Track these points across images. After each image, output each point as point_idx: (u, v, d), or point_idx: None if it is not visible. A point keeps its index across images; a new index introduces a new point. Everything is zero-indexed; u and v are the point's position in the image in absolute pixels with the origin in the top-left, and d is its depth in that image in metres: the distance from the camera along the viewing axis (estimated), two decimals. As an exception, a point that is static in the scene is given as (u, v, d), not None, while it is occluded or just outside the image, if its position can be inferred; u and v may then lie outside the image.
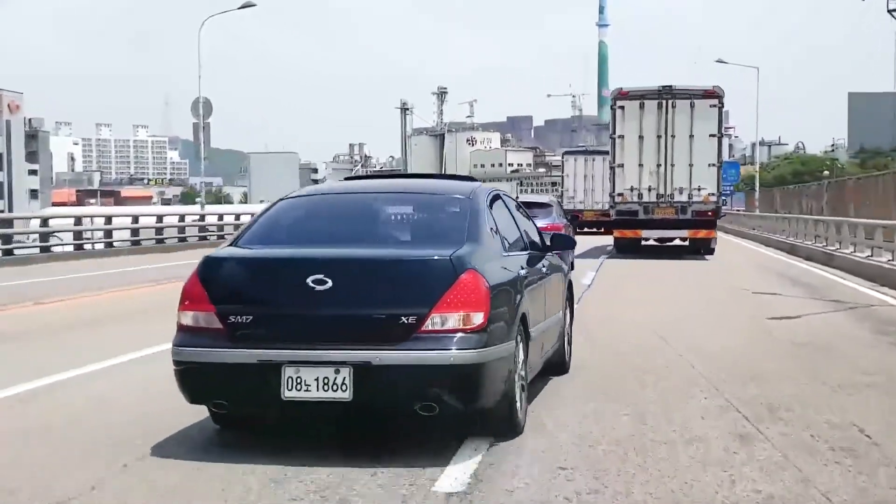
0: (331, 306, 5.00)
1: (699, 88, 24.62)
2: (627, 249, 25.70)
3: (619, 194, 24.74)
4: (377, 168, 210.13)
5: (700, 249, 25.71)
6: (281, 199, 6.25)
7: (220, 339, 5.10)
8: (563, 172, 54.27)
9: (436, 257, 5.13)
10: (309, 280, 4.99)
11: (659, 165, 24.53)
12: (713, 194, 24.45)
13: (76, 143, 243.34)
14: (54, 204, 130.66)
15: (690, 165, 24.30)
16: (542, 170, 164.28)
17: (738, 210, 58.91)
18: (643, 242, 26.26)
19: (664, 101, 24.42)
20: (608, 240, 28.83)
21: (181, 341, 5.25)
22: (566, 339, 7.78)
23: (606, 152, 64.64)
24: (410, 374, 4.92)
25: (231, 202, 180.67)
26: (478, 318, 4.95)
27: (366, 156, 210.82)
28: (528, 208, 24.66)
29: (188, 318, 5.23)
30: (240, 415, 5.62)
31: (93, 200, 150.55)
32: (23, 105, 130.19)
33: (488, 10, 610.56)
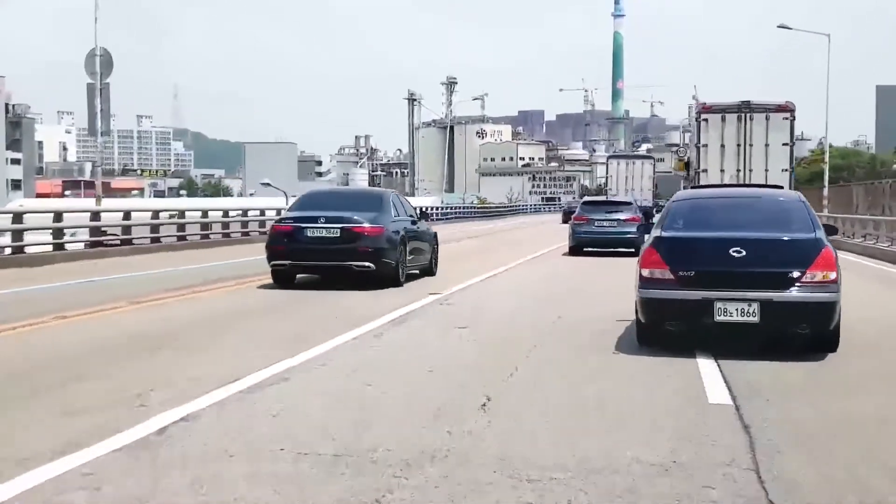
0: (744, 266, 8.85)
1: (773, 103, 29.71)
2: None
3: (703, 195, 29.90)
4: (384, 161, 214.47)
5: None
6: (676, 200, 10.41)
7: (672, 286, 9.00)
8: (606, 174, 64.13)
9: (807, 238, 9.09)
10: (731, 250, 8.90)
11: (738, 170, 29.55)
12: (786, 195, 29.62)
13: (68, 132, 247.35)
14: (38, 195, 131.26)
15: (766, 170, 29.30)
16: (554, 164, 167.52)
17: None
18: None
19: (743, 115, 29.47)
20: None
21: (645, 286, 9.16)
22: None
23: (648, 157, 74.51)
24: (795, 307, 8.80)
25: (230, 195, 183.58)
26: (832, 275, 8.86)
27: (372, 148, 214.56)
28: (615, 205, 30.32)
29: (648, 273, 9.14)
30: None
31: (68, 193, 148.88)
32: (4, 89, 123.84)
33: (501, 4, 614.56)
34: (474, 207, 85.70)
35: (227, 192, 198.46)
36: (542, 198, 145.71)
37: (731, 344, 9.13)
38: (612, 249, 25.87)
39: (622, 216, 27.04)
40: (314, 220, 15.69)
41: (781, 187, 12.22)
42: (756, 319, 8.80)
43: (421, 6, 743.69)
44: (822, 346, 9.24)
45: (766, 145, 29.46)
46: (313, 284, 15.94)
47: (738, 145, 29.64)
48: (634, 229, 26.04)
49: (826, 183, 47.38)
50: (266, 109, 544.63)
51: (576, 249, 26.38)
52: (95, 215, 25.79)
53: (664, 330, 9.40)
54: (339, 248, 15.42)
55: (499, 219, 68.33)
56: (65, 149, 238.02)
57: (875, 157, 75.40)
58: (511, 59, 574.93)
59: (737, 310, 8.80)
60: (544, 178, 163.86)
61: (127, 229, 26.26)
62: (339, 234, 15.49)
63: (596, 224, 26.73)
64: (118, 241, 25.14)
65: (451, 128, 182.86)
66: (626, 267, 15.29)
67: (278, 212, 37.82)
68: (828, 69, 46.03)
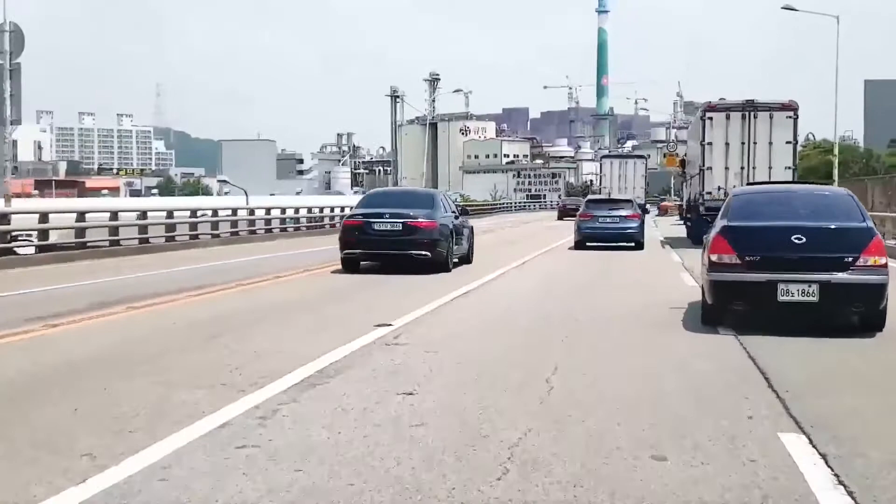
0: (805, 251, 10.08)
1: (777, 102, 30.76)
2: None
3: (708, 192, 30.76)
4: (367, 159, 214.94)
5: None
6: (736, 195, 11.68)
7: (739, 269, 10.23)
8: (600, 172, 69.38)
9: (859, 226, 10.34)
10: (792, 237, 10.14)
11: (742, 168, 30.60)
12: (789, 193, 30.61)
13: (44, 131, 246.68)
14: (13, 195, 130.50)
15: (770, 168, 30.34)
16: (539, 161, 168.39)
17: None
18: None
19: (747, 113, 30.53)
20: None
21: (714, 270, 10.39)
22: None
23: (640, 156, 78.37)
24: (850, 288, 10.02)
25: (210, 194, 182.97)
26: (882, 260, 10.13)
27: (355, 146, 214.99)
28: (617, 203, 31.79)
29: (716, 258, 10.35)
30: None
31: (35, 192, 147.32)
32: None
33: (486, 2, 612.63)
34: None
35: (206, 192, 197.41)
36: (527, 195, 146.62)
37: (782, 323, 10.46)
38: (614, 244, 28.55)
39: (624, 213, 29.40)
40: (380, 215, 18.90)
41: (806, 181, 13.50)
42: (815, 299, 10.03)
43: (406, 3, 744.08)
44: (872, 325, 10.41)
45: (770, 143, 30.44)
46: (375, 270, 18.73)
47: (743, 143, 30.64)
48: (635, 225, 28.99)
49: (836, 177, 46.73)
50: (249, 108, 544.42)
51: (581, 244, 28.69)
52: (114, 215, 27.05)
53: (729, 310, 10.61)
54: (401, 240, 18.54)
55: (484, 217, 68.36)
56: (39, 148, 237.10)
57: (871, 152, 75.55)
58: (495, 57, 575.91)
59: (798, 290, 10.04)
60: (529, 175, 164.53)
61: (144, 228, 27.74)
62: (401, 228, 18.64)
63: (600, 220, 28.98)
64: (107, 242, 25.51)
65: (435, 125, 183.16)
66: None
67: (252, 211, 37.71)
68: (837, 57, 45.71)
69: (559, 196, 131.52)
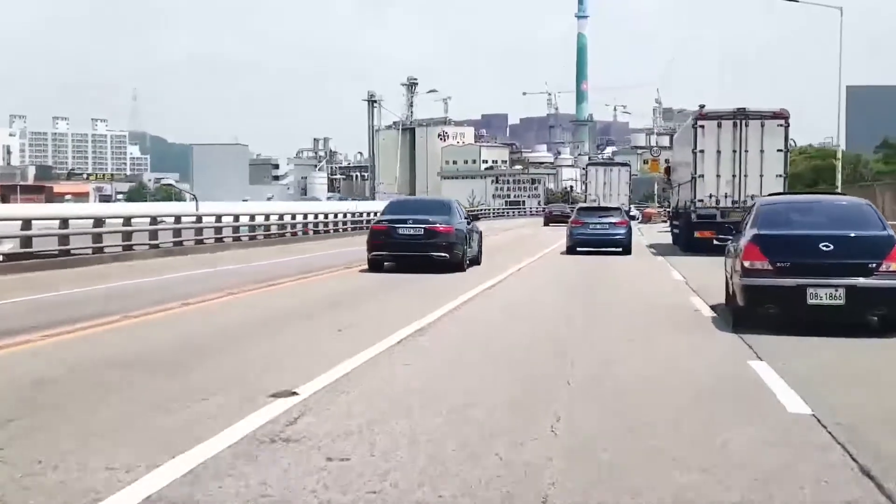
0: (832, 258, 10.79)
1: (769, 111, 30.88)
2: (699, 248, 32.01)
3: (700, 200, 30.79)
4: (344, 164, 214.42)
5: None
6: (763, 205, 12.55)
7: (770, 275, 10.93)
8: (585, 179, 71.43)
9: (881, 234, 11.09)
10: (820, 245, 10.89)
11: (734, 176, 30.60)
12: (781, 201, 30.87)
13: (13, 135, 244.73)
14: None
15: (761, 176, 30.32)
16: (518, 167, 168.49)
17: None
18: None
19: (739, 121, 30.53)
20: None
21: (746, 275, 11.07)
22: None
23: (624, 164, 79.89)
24: (875, 292, 10.72)
25: (183, 199, 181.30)
26: None
27: (331, 151, 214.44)
28: (607, 211, 32.60)
29: (749, 264, 11.04)
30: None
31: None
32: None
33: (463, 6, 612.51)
34: None
35: (178, 197, 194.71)
36: (506, 201, 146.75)
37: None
38: (604, 249, 30.11)
39: (613, 220, 31.08)
40: (404, 221, 21.49)
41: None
42: (842, 302, 10.72)
43: (383, 5, 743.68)
44: (894, 326, 11.02)
45: (762, 151, 30.66)
46: (397, 270, 20.88)
47: (734, 151, 30.82)
48: (623, 232, 30.69)
49: (839, 183, 45.69)
50: (226, 113, 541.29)
51: (572, 249, 30.34)
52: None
53: (760, 313, 11.22)
54: (422, 243, 21.05)
55: None
56: (9, 152, 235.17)
57: (860, 158, 75.25)
58: (474, 63, 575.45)
59: (826, 294, 10.73)
60: (507, 181, 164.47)
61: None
62: (422, 232, 21.12)
63: (590, 227, 30.73)
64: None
65: (413, 130, 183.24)
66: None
67: (199, 219, 34.86)
68: (840, 50, 44.27)
69: (539, 202, 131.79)
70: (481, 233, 24.94)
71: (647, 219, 75.93)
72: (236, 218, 36.73)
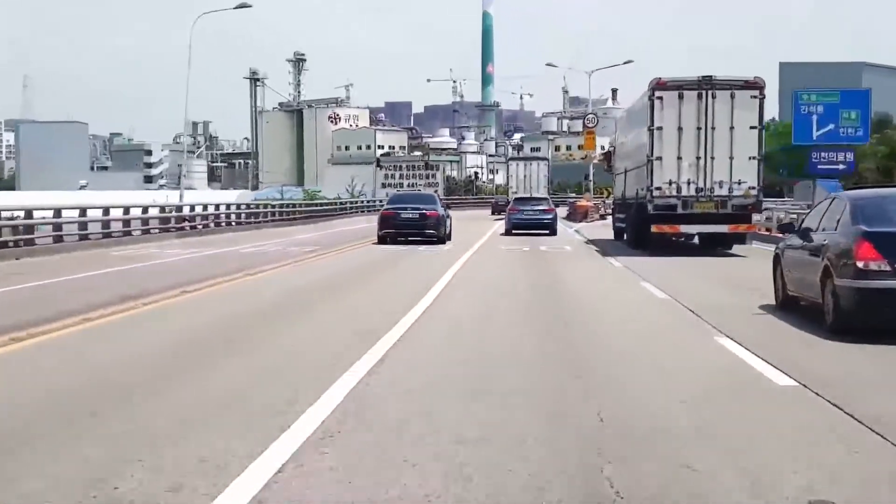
0: None
1: (740, 79, 27.11)
2: (650, 245, 28.27)
3: (657, 188, 26.89)
4: (225, 150, 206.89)
5: (726, 245, 28.69)
6: (855, 199, 11.97)
7: (889, 276, 10.56)
8: (507, 174, 79.04)
9: None
10: None
11: (699, 158, 26.83)
12: (753, 188, 26.95)
13: None
14: None
15: (731, 158, 26.73)
16: (418, 153, 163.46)
17: None
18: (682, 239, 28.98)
19: (704, 92, 26.72)
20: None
21: (860, 277, 10.60)
22: None
23: (543, 158, 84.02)
24: None
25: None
26: None
27: (212, 136, 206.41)
28: (538, 200, 35.86)
29: (863, 265, 10.58)
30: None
31: None
32: None
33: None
34: (294, 204, 69.00)
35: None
36: (398, 190, 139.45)
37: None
38: (535, 231, 39.69)
39: (542, 208, 41.59)
40: (404, 208, 33.18)
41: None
42: None
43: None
44: None
45: (731, 128, 26.89)
46: (396, 243, 31.33)
47: (699, 129, 26.99)
48: (551, 217, 40.76)
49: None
50: (88, 93, 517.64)
51: (510, 231, 40.63)
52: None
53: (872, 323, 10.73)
54: (418, 223, 32.52)
55: (306, 223, 56.23)
56: None
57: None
58: (377, 47, 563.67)
59: None
60: (402, 166, 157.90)
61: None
62: (418, 217, 32.51)
63: (524, 213, 41.43)
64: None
65: (301, 112, 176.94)
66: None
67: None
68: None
69: (436, 192, 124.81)
70: (450, 216, 36.07)
71: (581, 215, 59.01)
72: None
